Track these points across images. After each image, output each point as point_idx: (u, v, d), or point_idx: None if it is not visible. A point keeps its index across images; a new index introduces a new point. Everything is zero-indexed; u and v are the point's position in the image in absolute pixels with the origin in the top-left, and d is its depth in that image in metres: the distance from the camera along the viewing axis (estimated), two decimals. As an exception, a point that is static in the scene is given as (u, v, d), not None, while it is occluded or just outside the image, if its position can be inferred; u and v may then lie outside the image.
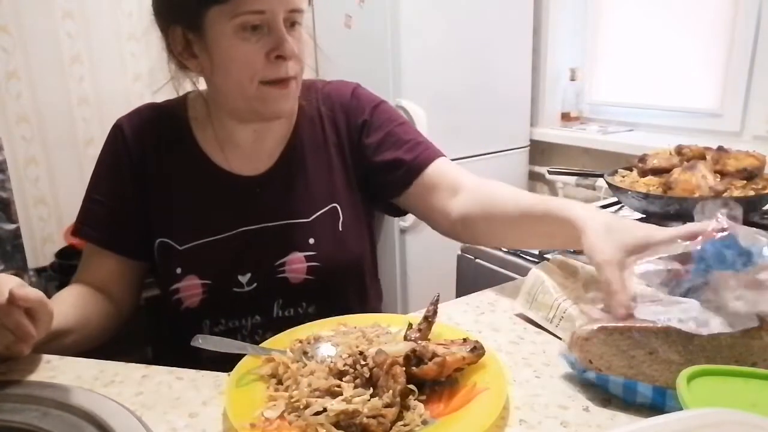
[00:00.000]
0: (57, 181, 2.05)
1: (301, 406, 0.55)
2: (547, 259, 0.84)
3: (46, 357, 0.72)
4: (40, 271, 1.99)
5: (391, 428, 0.54)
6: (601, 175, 1.27)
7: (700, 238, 0.61)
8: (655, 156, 1.20)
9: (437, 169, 0.92)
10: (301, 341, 0.68)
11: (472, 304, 0.83)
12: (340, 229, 0.92)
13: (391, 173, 0.92)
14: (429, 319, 0.67)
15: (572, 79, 2.35)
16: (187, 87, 0.93)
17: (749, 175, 1.10)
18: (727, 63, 1.89)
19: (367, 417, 0.53)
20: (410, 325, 0.67)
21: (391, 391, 0.55)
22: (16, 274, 1.24)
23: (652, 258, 0.62)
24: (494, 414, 0.54)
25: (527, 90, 2.36)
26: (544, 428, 0.56)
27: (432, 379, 0.59)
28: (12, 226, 1.90)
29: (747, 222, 1.15)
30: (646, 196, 1.10)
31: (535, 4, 2.30)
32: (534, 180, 2.52)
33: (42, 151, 2.01)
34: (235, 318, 0.89)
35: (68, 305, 0.82)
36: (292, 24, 0.82)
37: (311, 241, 0.90)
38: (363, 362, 0.59)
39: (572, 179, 2.17)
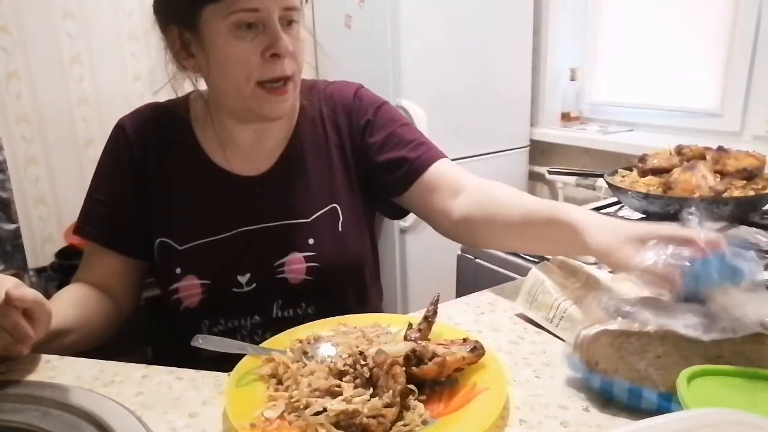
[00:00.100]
0: (57, 181, 2.05)
1: (301, 406, 0.55)
2: (547, 259, 0.84)
3: (45, 357, 0.72)
4: (40, 271, 1.99)
5: (391, 428, 0.54)
6: (601, 175, 1.27)
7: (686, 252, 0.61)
8: (655, 156, 1.20)
9: (439, 170, 0.91)
10: (301, 341, 0.68)
11: (472, 304, 0.83)
12: (340, 229, 0.92)
13: (393, 172, 0.92)
14: (429, 319, 0.67)
15: (572, 79, 2.35)
16: (186, 87, 0.93)
17: (749, 175, 1.10)
18: (727, 63, 1.89)
19: (367, 417, 0.53)
20: (410, 325, 0.67)
21: (391, 391, 0.55)
22: (15, 275, 1.24)
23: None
24: (494, 414, 0.54)
25: (527, 90, 2.36)
26: (544, 428, 0.56)
27: (432, 379, 0.59)
28: (12, 226, 1.91)
29: (747, 222, 1.15)
30: (646, 196, 1.10)
31: (535, 4, 2.30)
32: (534, 180, 2.52)
33: (42, 151, 2.01)
34: (234, 318, 0.89)
35: (68, 305, 0.82)
36: (288, 22, 0.82)
37: (311, 241, 0.90)
38: (363, 362, 0.59)
39: (572, 179, 2.17)
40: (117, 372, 0.69)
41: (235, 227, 0.89)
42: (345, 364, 0.59)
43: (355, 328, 0.71)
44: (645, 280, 0.63)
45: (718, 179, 1.10)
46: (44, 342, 0.72)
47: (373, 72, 2.05)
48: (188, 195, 0.91)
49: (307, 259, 0.89)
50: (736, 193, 1.06)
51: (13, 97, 1.93)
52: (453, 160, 0.95)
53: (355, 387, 0.57)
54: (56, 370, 0.70)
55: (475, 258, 1.24)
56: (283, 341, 0.69)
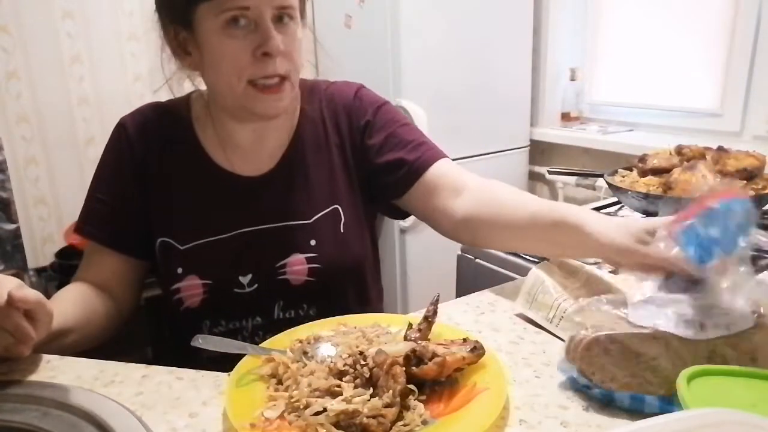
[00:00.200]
0: (57, 181, 2.05)
1: (301, 406, 0.55)
2: (547, 259, 0.84)
3: (46, 357, 0.72)
4: (40, 271, 1.99)
5: (391, 428, 0.54)
6: (601, 175, 1.27)
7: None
8: (655, 156, 1.20)
9: (440, 170, 0.91)
10: (301, 341, 0.68)
11: (472, 304, 0.83)
12: (342, 230, 0.92)
13: (394, 173, 0.92)
14: (429, 319, 0.67)
15: (572, 79, 2.35)
16: (186, 88, 0.93)
17: (749, 175, 1.10)
18: (727, 63, 1.89)
19: (367, 417, 0.53)
20: (410, 325, 0.67)
21: (391, 391, 0.55)
22: (15, 275, 1.24)
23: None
24: (494, 414, 0.54)
25: (527, 90, 2.36)
26: (544, 428, 0.56)
27: (432, 379, 0.59)
28: (12, 226, 1.91)
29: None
30: (646, 196, 1.10)
31: (535, 4, 2.30)
32: (534, 180, 2.52)
33: (42, 151, 2.01)
34: (235, 319, 0.89)
35: (69, 304, 0.82)
36: (283, 21, 0.82)
37: (312, 242, 0.90)
38: (363, 362, 0.59)
39: (572, 179, 2.17)
40: (117, 372, 0.69)
41: (236, 228, 0.89)
42: (345, 364, 0.59)
43: (355, 328, 0.71)
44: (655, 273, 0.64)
45: (718, 179, 1.10)
46: (45, 342, 0.72)
47: (373, 72, 2.05)
48: (189, 195, 0.91)
49: (308, 260, 0.89)
50: (736, 193, 1.06)
51: (13, 97, 1.93)
52: (453, 160, 0.95)
53: (355, 387, 0.57)
54: (56, 370, 0.70)
55: (475, 258, 1.24)
56: (283, 341, 0.69)
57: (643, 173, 1.19)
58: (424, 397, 0.58)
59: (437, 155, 0.93)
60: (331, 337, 0.69)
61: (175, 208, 0.90)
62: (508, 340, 0.72)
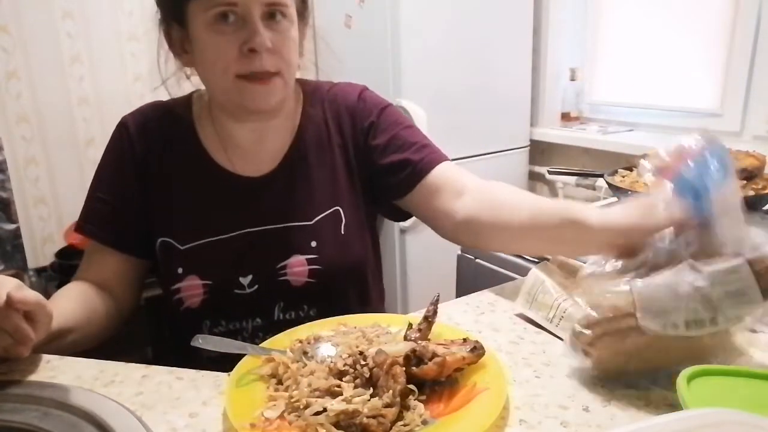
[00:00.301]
0: (57, 181, 2.05)
1: (301, 406, 0.55)
2: (547, 259, 0.84)
3: (46, 357, 0.72)
4: (40, 271, 1.99)
5: (391, 428, 0.54)
6: (601, 175, 1.27)
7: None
8: (655, 156, 1.20)
9: (442, 172, 0.91)
10: (301, 341, 0.68)
11: (472, 304, 0.83)
12: (343, 232, 0.92)
13: (396, 174, 0.92)
14: (429, 319, 0.67)
15: (572, 79, 2.35)
16: (186, 88, 0.94)
17: (749, 175, 1.10)
18: (727, 63, 1.89)
19: (367, 417, 0.53)
20: (410, 325, 0.67)
21: (391, 391, 0.55)
22: (15, 275, 1.24)
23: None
24: (494, 414, 0.54)
25: (527, 90, 2.36)
26: (544, 428, 0.56)
27: (432, 379, 0.59)
28: (12, 226, 1.91)
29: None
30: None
31: (535, 4, 2.30)
32: (534, 180, 2.52)
33: (42, 151, 2.01)
34: (235, 320, 0.89)
35: (69, 304, 0.82)
36: (273, 17, 0.82)
37: (313, 244, 0.90)
38: (363, 362, 0.59)
39: (572, 179, 2.17)
40: (117, 372, 0.69)
41: (237, 228, 0.89)
42: (345, 364, 0.59)
43: (355, 328, 0.71)
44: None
45: (718, 179, 1.10)
46: (45, 342, 0.72)
47: (373, 72, 2.05)
48: (190, 194, 0.91)
49: (309, 261, 0.89)
50: (736, 193, 1.06)
51: (13, 97, 1.93)
52: (453, 160, 0.95)
53: (355, 387, 0.57)
54: (56, 370, 0.70)
55: (475, 258, 1.24)
56: (283, 341, 0.69)
57: (643, 173, 1.19)
58: (424, 397, 0.58)
59: (441, 158, 0.93)
60: (331, 337, 0.69)
61: (176, 207, 0.90)
62: (508, 340, 0.72)
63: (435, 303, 0.69)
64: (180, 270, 0.88)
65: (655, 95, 2.13)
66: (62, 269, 1.87)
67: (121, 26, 2.09)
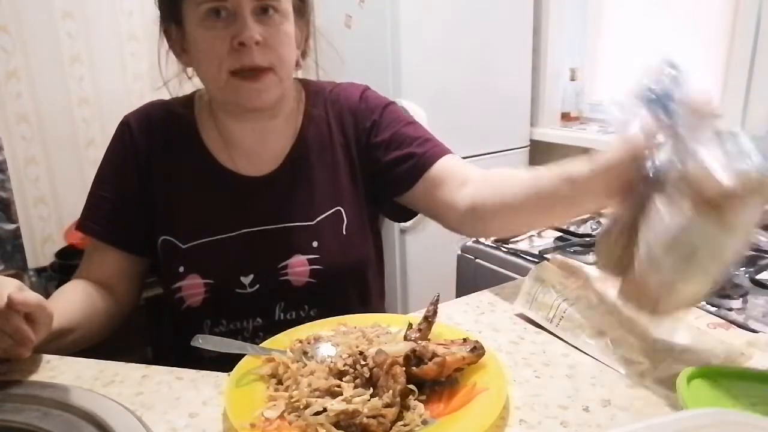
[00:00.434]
0: (57, 181, 2.05)
1: (301, 406, 0.55)
2: (547, 259, 0.84)
3: (46, 357, 0.72)
4: (40, 271, 1.99)
5: (391, 428, 0.54)
6: (601, 175, 1.27)
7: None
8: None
9: (446, 164, 0.91)
10: (301, 341, 0.68)
11: (472, 304, 0.83)
12: (344, 232, 0.92)
13: (400, 167, 0.92)
14: (429, 319, 0.67)
15: (572, 79, 2.35)
16: (187, 89, 0.94)
17: (749, 175, 1.10)
18: (727, 63, 1.89)
19: (367, 417, 0.53)
20: (410, 325, 0.67)
21: (391, 391, 0.54)
22: (15, 275, 1.24)
23: None
24: (494, 414, 0.54)
25: (527, 90, 2.36)
26: (544, 428, 0.56)
27: (432, 379, 0.59)
28: (12, 226, 1.91)
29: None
30: (646, 196, 1.10)
31: (535, 4, 2.30)
32: (534, 180, 2.52)
33: (42, 151, 2.01)
34: (236, 319, 0.89)
35: (70, 303, 0.82)
36: (266, 12, 0.82)
37: (315, 244, 0.90)
38: (363, 362, 0.59)
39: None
40: (117, 372, 0.69)
41: (238, 228, 0.89)
42: (345, 364, 0.59)
43: (355, 328, 0.71)
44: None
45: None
46: (45, 342, 0.72)
47: (373, 72, 2.05)
48: (192, 193, 0.91)
49: (310, 261, 0.89)
50: (736, 193, 1.06)
51: (13, 97, 1.93)
52: (453, 159, 0.95)
53: (355, 387, 0.57)
54: (56, 370, 0.70)
55: (475, 258, 1.24)
56: (283, 341, 0.69)
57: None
58: (424, 397, 0.58)
59: (444, 151, 0.93)
60: (331, 337, 0.69)
61: (178, 206, 0.90)
62: (508, 340, 0.72)
63: (435, 303, 0.69)
64: (181, 269, 0.88)
65: (655, 95, 2.13)
66: (62, 269, 1.87)
67: (121, 26, 2.09)
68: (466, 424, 0.54)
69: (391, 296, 2.14)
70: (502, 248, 1.13)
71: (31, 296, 0.65)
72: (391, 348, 0.61)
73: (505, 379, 0.59)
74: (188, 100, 0.95)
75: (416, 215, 1.00)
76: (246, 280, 0.88)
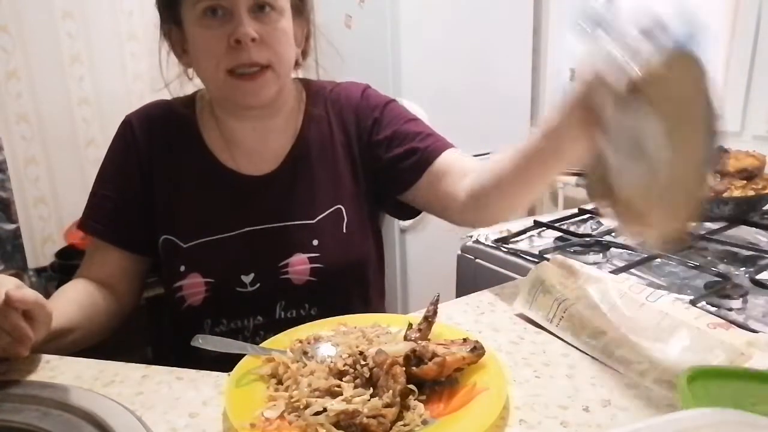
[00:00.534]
0: (57, 181, 2.05)
1: (301, 406, 0.55)
2: (547, 259, 0.84)
3: (45, 357, 0.72)
4: (40, 271, 2.00)
5: (391, 428, 0.54)
6: (601, 175, 1.27)
7: None
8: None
9: (449, 158, 0.91)
10: (301, 341, 0.68)
11: (472, 304, 0.83)
12: (344, 230, 0.92)
13: (404, 163, 0.92)
14: (429, 319, 0.67)
15: (572, 79, 2.35)
16: (188, 90, 0.94)
17: (749, 175, 1.10)
18: (727, 63, 1.89)
19: (367, 417, 0.53)
20: (410, 325, 0.67)
21: (391, 391, 0.54)
22: (15, 275, 1.24)
23: None
24: (494, 414, 0.54)
25: (527, 90, 2.36)
26: (544, 428, 0.56)
27: (432, 379, 0.59)
28: (12, 226, 1.91)
29: (747, 222, 1.15)
30: (646, 196, 1.10)
31: (535, 4, 2.30)
32: (534, 180, 2.51)
33: (42, 151, 2.01)
34: (237, 318, 0.89)
35: (70, 303, 0.82)
36: (263, 10, 0.82)
37: (315, 242, 0.90)
38: (363, 362, 0.59)
39: (572, 179, 2.16)
40: (117, 372, 0.69)
41: (239, 227, 0.89)
42: (345, 364, 0.59)
43: (355, 328, 0.71)
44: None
45: (718, 179, 1.10)
46: (45, 342, 0.72)
47: (373, 72, 2.05)
48: (193, 193, 0.91)
49: (311, 260, 0.89)
50: (736, 193, 1.07)
51: (13, 97, 1.93)
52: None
53: (355, 387, 0.57)
54: (56, 370, 0.70)
55: (475, 258, 1.24)
56: (283, 341, 0.69)
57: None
58: (424, 397, 0.58)
59: (447, 145, 0.94)
60: (331, 337, 0.69)
61: (179, 205, 0.90)
62: (508, 340, 0.72)
63: (435, 303, 0.69)
64: (182, 268, 0.88)
65: (655, 95, 2.13)
66: (62, 269, 1.87)
67: (121, 26, 2.09)
68: (466, 424, 0.54)
69: (391, 296, 2.14)
70: (502, 248, 1.12)
71: (29, 293, 0.65)
72: (391, 348, 0.61)
73: (505, 379, 0.59)
74: (190, 100, 0.95)
75: (419, 213, 1.00)
76: (247, 278, 0.88)
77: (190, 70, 0.90)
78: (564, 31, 2.38)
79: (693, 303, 0.76)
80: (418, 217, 1.01)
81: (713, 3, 1.90)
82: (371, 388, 0.57)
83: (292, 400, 0.56)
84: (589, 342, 0.68)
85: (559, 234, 1.19)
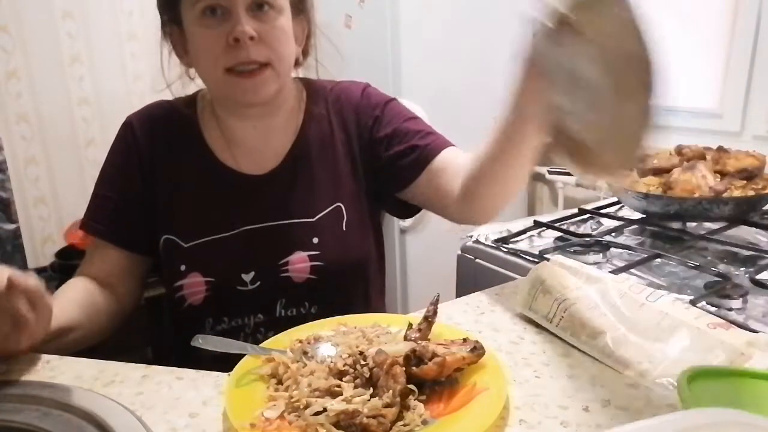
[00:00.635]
0: (57, 181, 2.05)
1: (301, 406, 0.55)
2: (547, 259, 0.84)
3: (45, 357, 0.72)
4: (40, 271, 1.99)
5: (391, 428, 0.54)
6: (601, 175, 1.27)
7: None
8: (655, 156, 1.20)
9: (448, 156, 0.91)
10: (301, 341, 0.68)
11: (472, 304, 0.83)
12: (344, 228, 0.93)
13: (403, 161, 0.92)
14: (429, 319, 0.67)
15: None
16: (190, 90, 0.95)
17: (749, 175, 1.10)
18: (727, 63, 1.89)
19: (367, 417, 0.53)
20: (410, 325, 0.67)
21: (391, 391, 0.54)
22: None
23: None
24: (494, 414, 0.54)
25: (527, 90, 2.36)
26: (544, 428, 0.56)
27: (432, 379, 0.59)
28: (12, 226, 1.90)
29: (747, 222, 1.15)
30: (646, 196, 1.10)
31: (535, 4, 2.30)
32: (534, 180, 2.52)
33: (42, 151, 2.01)
34: (237, 317, 0.90)
35: (71, 302, 0.82)
36: (261, 8, 0.82)
37: (315, 240, 0.90)
38: (363, 362, 0.59)
39: (572, 179, 2.17)
40: (117, 372, 0.69)
41: (239, 225, 0.90)
42: (345, 364, 0.59)
43: (355, 328, 0.71)
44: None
45: (718, 179, 1.10)
46: (46, 341, 0.72)
47: (373, 72, 2.05)
48: (194, 192, 0.91)
49: (311, 258, 0.90)
50: (736, 193, 1.07)
51: (13, 97, 1.93)
52: (453, 160, 0.95)
53: (355, 387, 0.57)
54: (56, 370, 0.70)
55: (475, 258, 1.24)
56: (283, 341, 0.69)
57: (643, 173, 1.19)
58: (424, 397, 0.58)
59: (446, 143, 0.94)
60: (331, 337, 0.69)
61: (180, 205, 0.91)
62: (508, 340, 0.72)
63: (435, 303, 0.69)
64: (183, 267, 0.88)
65: (655, 95, 2.13)
66: (62, 269, 1.87)
67: (121, 26, 2.09)
68: (466, 424, 0.54)
69: (391, 296, 2.14)
70: (502, 248, 1.12)
71: (32, 280, 0.66)
72: (391, 348, 0.61)
73: (505, 379, 0.59)
74: (191, 100, 0.96)
75: (418, 211, 1.00)
76: (247, 277, 0.89)
77: (192, 71, 0.91)
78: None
79: (693, 303, 0.76)
80: (418, 217, 1.01)
81: (713, 3, 1.90)
82: (371, 388, 0.57)
83: (292, 400, 0.56)
84: (589, 342, 0.68)
85: (559, 234, 1.19)
